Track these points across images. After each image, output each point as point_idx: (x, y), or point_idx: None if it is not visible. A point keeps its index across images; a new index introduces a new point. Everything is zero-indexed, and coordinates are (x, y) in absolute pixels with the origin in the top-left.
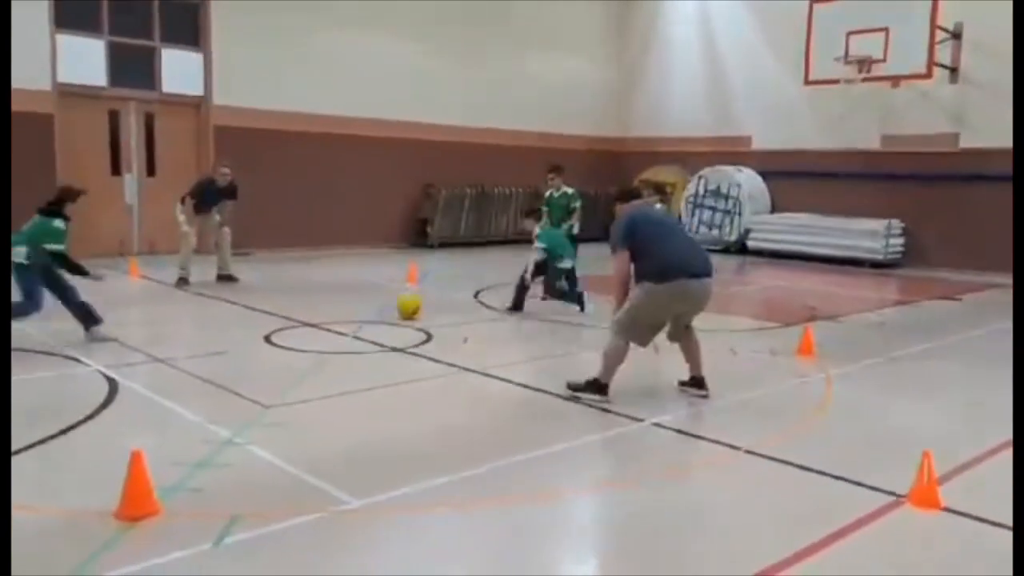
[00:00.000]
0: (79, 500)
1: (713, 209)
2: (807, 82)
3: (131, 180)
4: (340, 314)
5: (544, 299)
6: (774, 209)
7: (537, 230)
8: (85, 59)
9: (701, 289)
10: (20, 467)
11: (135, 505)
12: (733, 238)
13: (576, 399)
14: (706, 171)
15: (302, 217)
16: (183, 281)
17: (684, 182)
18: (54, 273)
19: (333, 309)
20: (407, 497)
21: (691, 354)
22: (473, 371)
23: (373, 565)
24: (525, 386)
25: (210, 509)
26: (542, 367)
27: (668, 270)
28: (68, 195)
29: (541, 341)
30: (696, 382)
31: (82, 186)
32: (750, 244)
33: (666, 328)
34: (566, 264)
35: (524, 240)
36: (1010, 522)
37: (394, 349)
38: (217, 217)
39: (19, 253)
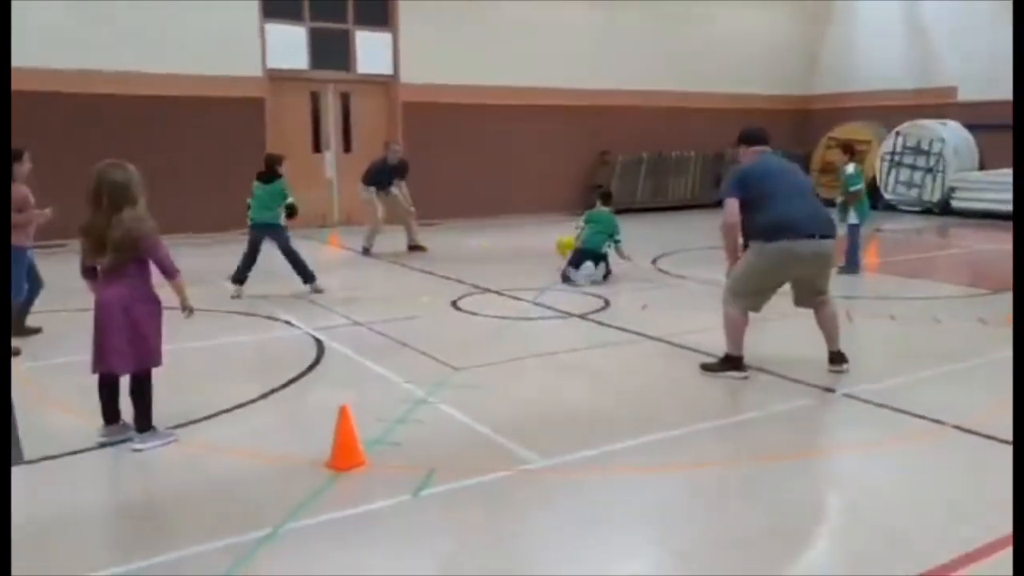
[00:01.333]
0: (296, 449)
1: (912, 167)
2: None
3: (330, 157)
4: (520, 281)
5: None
6: (983, 166)
7: None
8: (289, 45)
9: (813, 250)
10: (246, 418)
11: (344, 456)
12: (936, 198)
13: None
14: (905, 126)
15: (483, 187)
16: (366, 251)
17: (879, 139)
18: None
19: (514, 276)
20: (591, 459)
21: (824, 326)
22: (652, 338)
23: (560, 521)
24: (707, 353)
25: (409, 462)
26: (723, 335)
27: (778, 228)
28: (276, 160)
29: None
30: (832, 357)
31: (280, 152)
32: (955, 204)
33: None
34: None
35: (704, 204)
36: None
37: (573, 315)
38: (395, 191)
39: (275, 216)
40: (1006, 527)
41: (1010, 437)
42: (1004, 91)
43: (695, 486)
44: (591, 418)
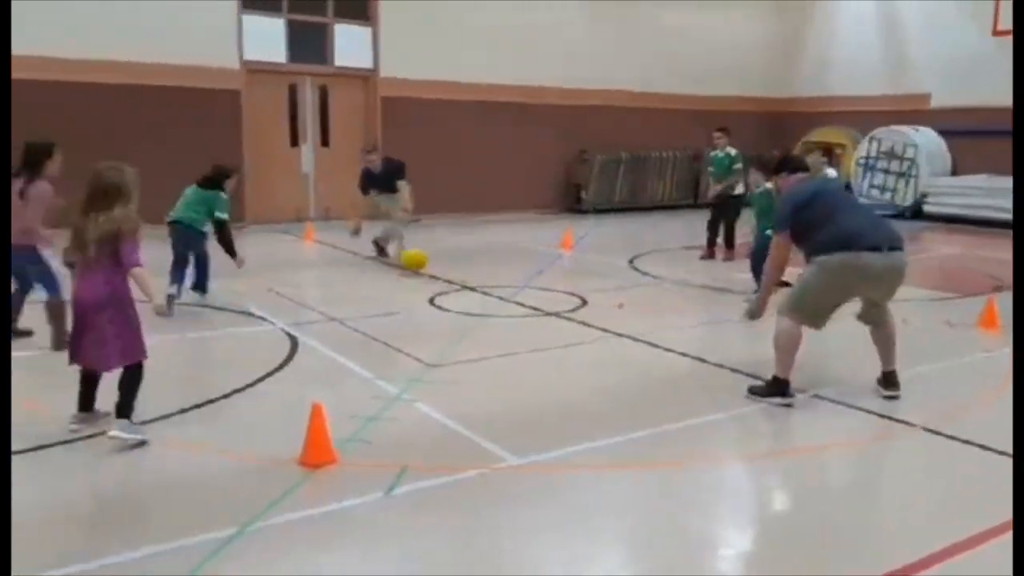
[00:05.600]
0: (268, 447)
1: (886, 172)
2: (995, 32)
3: (307, 150)
4: (497, 278)
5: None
6: (956, 172)
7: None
8: (267, 37)
9: (884, 264)
10: (218, 414)
11: (316, 453)
12: (908, 202)
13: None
14: (879, 131)
15: (461, 184)
16: (381, 251)
17: (854, 143)
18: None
19: (491, 273)
20: (565, 457)
21: (881, 344)
22: (628, 337)
23: (533, 520)
24: (682, 353)
25: (381, 460)
26: (698, 335)
27: (843, 242)
28: (224, 174)
29: (698, 309)
30: (885, 378)
31: (234, 165)
32: (927, 208)
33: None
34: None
35: (680, 205)
36: None
37: (550, 313)
38: (400, 195)
39: (198, 220)
40: (980, 525)
41: (974, 438)
42: (975, 98)
43: (668, 486)
44: (565, 416)
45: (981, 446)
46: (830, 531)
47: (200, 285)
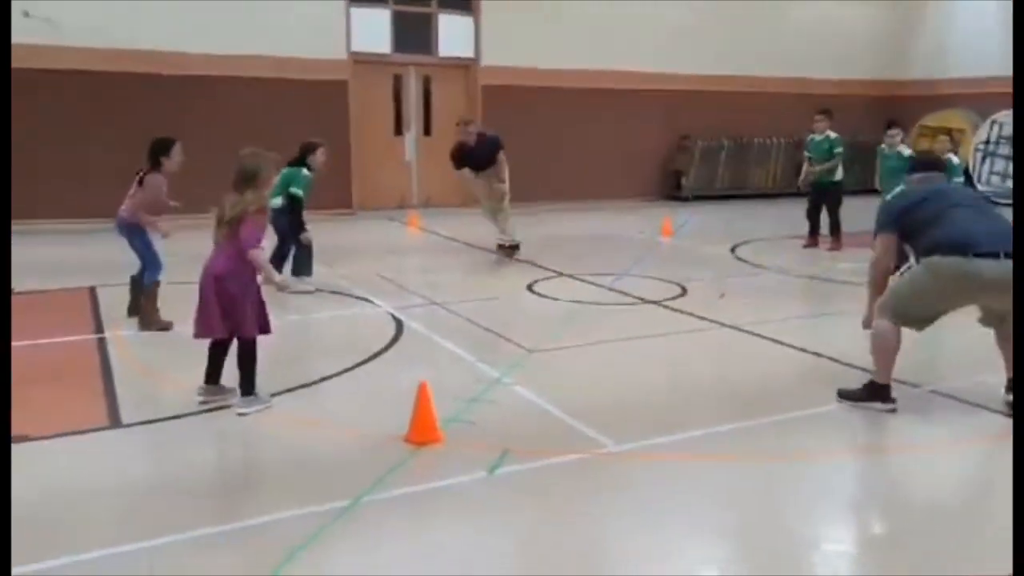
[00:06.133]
0: (376, 424)
1: (1008, 158)
2: None
3: (410, 139)
4: (596, 266)
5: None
6: None
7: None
8: (373, 29)
9: (998, 272)
10: (328, 393)
11: (421, 432)
12: None
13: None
14: (1001, 115)
15: (560, 171)
16: (512, 248)
17: (974, 128)
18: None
19: (590, 261)
20: (665, 445)
21: (1003, 347)
22: (729, 326)
23: (631, 507)
24: (784, 344)
25: (483, 441)
26: (800, 326)
27: (958, 244)
28: (308, 148)
29: (801, 299)
30: (1010, 386)
31: (319, 139)
32: None
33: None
34: None
35: (783, 193)
36: None
37: (649, 301)
38: (498, 168)
39: (275, 202)
40: None
41: None
42: None
43: (770, 479)
44: (665, 404)
45: None
46: (938, 532)
47: (296, 269)
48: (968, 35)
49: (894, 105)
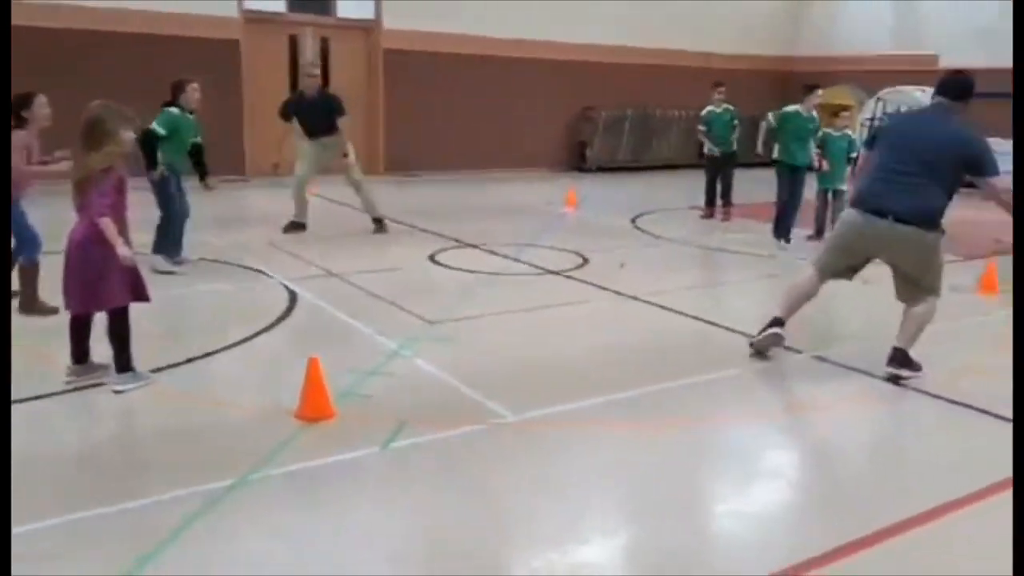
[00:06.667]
0: (265, 399)
1: None
2: None
3: None
4: (499, 236)
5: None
6: None
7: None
8: None
9: (873, 231)
10: (216, 366)
11: (313, 407)
12: None
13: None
14: (885, 92)
15: (463, 140)
16: (294, 226)
17: (860, 104)
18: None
19: (492, 231)
20: (563, 414)
21: (904, 320)
22: (629, 296)
23: (529, 477)
24: (681, 313)
25: (379, 415)
26: (696, 295)
27: (856, 195)
28: (177, 86)
29: (696, 269)
30: (892, 353)
31: (190, 76)
32: None
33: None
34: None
35: (685, 164)
36: None
37: (551, 272)
38: (326, 141)
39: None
40: (966, 487)
41: (969, 401)
42: (983, 60)
43: (667, 445)
44: (565, 374)
45: (967, 406)
46: (828, 489)
47: (157, 244)
48: (857, 12)
49: (786, 79)
